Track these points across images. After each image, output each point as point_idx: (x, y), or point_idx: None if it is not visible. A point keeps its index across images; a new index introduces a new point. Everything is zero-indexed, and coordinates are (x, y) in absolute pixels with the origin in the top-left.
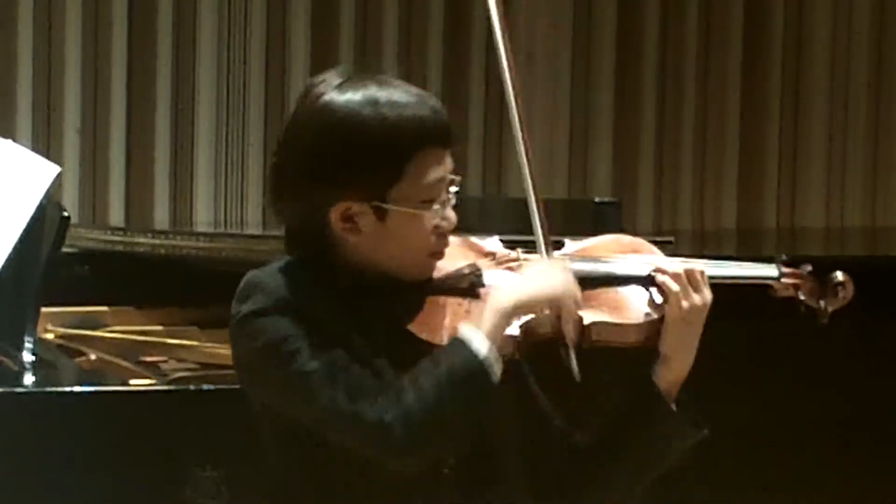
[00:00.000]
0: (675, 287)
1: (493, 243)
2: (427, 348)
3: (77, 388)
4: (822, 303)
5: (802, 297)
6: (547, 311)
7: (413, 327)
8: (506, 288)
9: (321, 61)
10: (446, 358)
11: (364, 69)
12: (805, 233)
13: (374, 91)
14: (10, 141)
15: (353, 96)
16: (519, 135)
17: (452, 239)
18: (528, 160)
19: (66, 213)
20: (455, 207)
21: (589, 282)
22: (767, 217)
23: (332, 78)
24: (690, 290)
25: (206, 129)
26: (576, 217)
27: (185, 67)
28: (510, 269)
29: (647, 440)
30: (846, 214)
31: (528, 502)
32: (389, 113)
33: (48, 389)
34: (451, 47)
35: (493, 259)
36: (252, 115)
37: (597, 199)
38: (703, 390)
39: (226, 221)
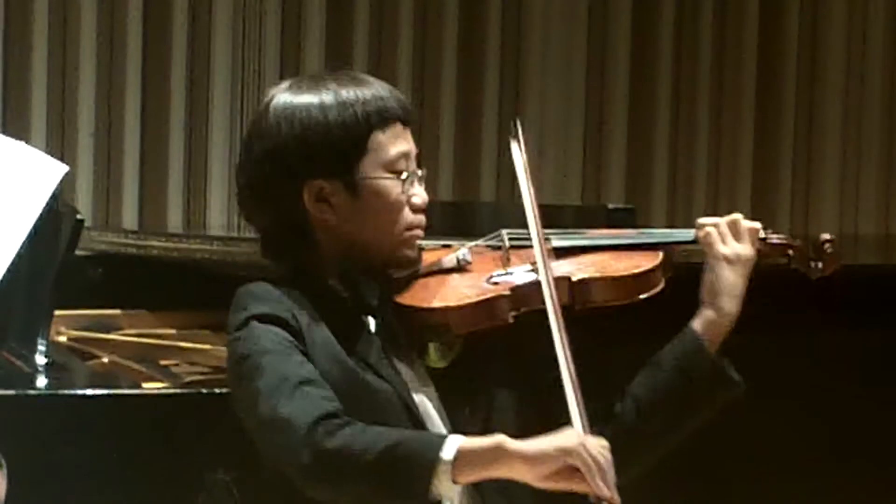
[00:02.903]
0: (713, 231)
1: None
2: (416, 314)
3: (90, 391)
4: (812, 263)
5: (791, 256)
6: (557, 464)
7: (400, 298)
8: (526, 441)
9: (333, 64)
10: (418, 433)
11: (377, 74)
12: None
13: (327, 80)
14: (19, 142)
15: (307, 90)
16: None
17: (442, 249)
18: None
19: (80, 216)
20: (467, 211)
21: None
22: (781, 224)
23: (282, 83)
24: (730, 234)
25: (220, 132)
26: (589, 224)
27: (199, 71)
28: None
29: (687, 388)
30: (860, 222)
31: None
32: (346, 93)
33: (61, 392)
34: (464, 52)
35: (479, 246)
36: None
37: (610, 206)
38: None
39: (239, 225)
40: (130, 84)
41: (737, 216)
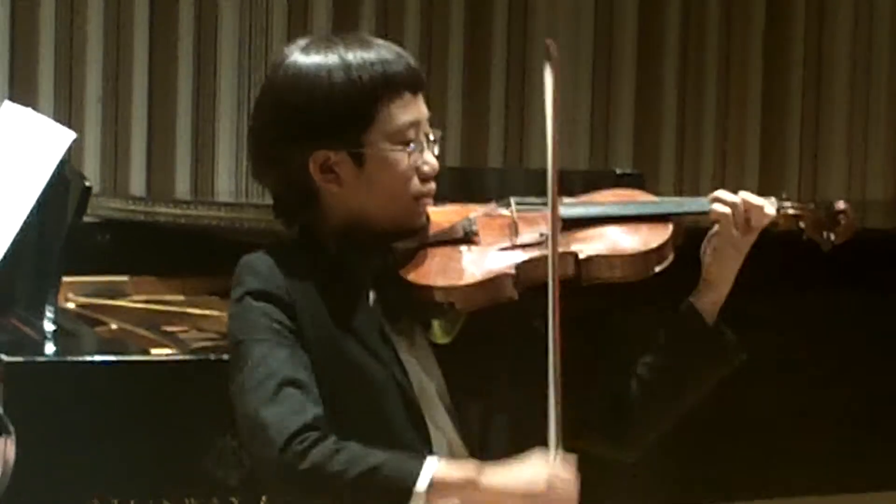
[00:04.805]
0: (728, 211)
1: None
2: (417, 292)
3: (98, 358)
4: (825, 234)
5: (804, 227)
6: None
7: (405, 272)
8: (499, 470)
9: (342, 29)
10: (393, 457)
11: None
12: None
13: (338, 45)
14: (27, 108)
15: (316, 54)
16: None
17: (449, 207)
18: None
19: (87, 183)
20: (474, 177)
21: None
22: (789, 190)
23: (298, 42)
24: (743, 220)
25: (228, 98)
26: (597, 189)
27: (207, 37)
28: (501, 221)
29: (687, 359)
30: (868, 188)
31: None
32: (354, 60)
33: (69, 359)
34: (472, 16)
35: (486, 213)
36: None
37: (618, 171)
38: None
39: (247, 191)
40: (138, 50)
41: (758, 202)
